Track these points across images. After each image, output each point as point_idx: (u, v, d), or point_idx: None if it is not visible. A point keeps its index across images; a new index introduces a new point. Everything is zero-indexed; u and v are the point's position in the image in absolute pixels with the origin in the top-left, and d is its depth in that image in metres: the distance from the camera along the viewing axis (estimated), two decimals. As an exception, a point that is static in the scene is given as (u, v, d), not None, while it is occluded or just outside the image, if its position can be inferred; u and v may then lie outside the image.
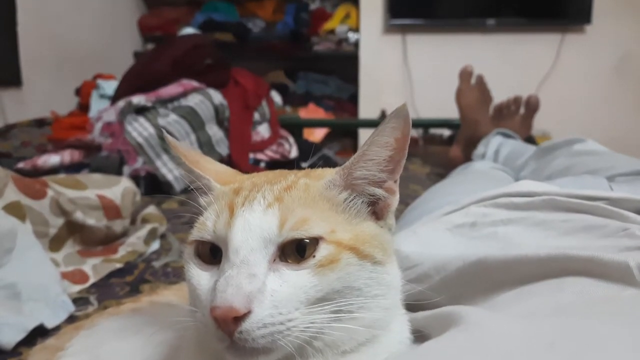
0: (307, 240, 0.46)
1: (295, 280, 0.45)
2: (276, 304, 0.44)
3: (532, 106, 1.98)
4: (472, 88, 2.05)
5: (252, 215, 0.47)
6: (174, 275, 1.25)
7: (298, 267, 0.46)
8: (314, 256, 0.46)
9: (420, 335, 0.56)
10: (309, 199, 0.49)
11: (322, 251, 0.46)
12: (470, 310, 0.51)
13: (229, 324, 0.42)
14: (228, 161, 2.03)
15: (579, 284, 0.53)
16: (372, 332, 0.50)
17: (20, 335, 0.95)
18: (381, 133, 0.50)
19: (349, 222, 0.50)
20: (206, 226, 0.49)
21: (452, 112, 2.17)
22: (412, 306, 0.58)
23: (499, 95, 2.07)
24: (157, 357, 0.62)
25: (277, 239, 0.46)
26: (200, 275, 0.48)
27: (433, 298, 0.67)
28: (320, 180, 0.51)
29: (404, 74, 3.62)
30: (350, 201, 0.51)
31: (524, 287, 0.57)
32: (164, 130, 0.56)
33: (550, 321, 0.47)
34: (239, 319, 0.42)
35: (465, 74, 2.06)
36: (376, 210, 0.53)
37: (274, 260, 0.46)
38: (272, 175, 0.54)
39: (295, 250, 0.46)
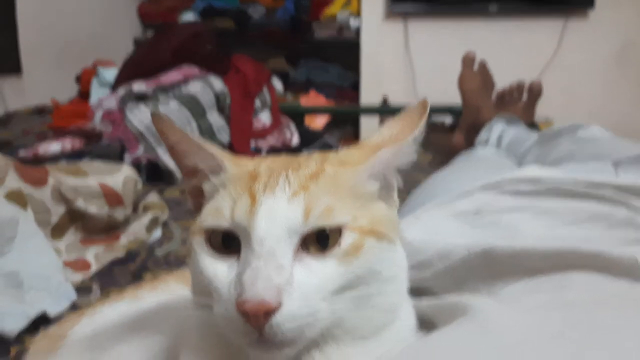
0: (329, 229, 0.45)
1: (322, 271, 0.44)
2: (305, 296, 0.42)
3: (534, 92, 1.96)
4: (475, 74, 2.03)
5: (277, 203, 0.44)
6: (177, 263, 1.25)
7: (323, 257, 0.44)
8: (339, 245, 0.45)
9: (424, 323, 0.56)
10: (334, 187, 0.47)
11: (348, 239, 0.45)
12: (477, 301, 0.51)
13: (259, 318, 0.40)
14: (229, 149, 2.02)
15: (587, 280, 0.52)
16: (388, 316, 0.49)
17: (22, 324, 0.95)
18: (424, 119, 0.51)
19: (364, 206, 0.49)
20: (221, 213, 0.46)
21: (454, 98, 2.15)
22: (414, 292, 0.57)
23: (502, 81, 2.06)
24: (159, 350, 0.62)
25: (302, 228, 0.44)
26: (216, 267, 0.46)
27: (434, 286, 0.66)
28: (347, 167, 0.49)
29: (406, 61, 3.59)
30: (370, 186, 0.50)
31: (530, 281, 0.56)
32: (156, 115, 0.51)
33: (557, 313, 0.47)
34: (269, 312, 0.41)
35: (467, 60, 2.04)
36: (385, 191, 0.52)
37: (297, 250, 0.44)
38: (288, 160, 0.52)
39: (315, 239, 0.45)
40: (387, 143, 0.51)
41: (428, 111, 0.52)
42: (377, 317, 0.48)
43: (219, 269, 0.46)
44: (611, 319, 0.44)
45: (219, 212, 0.47)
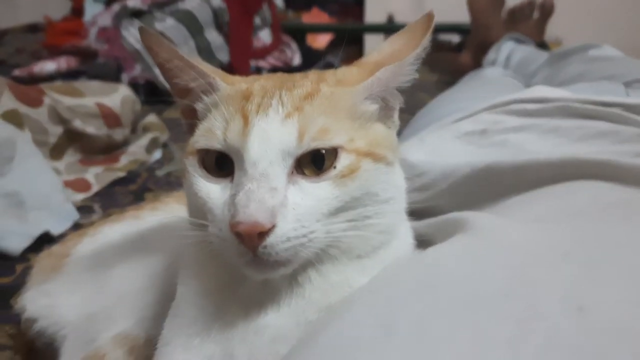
0: (324, 151, 0.44)
1: (317, 193, 0.43)
2: (299, 218, 0.42)
3: (546, 10, 1.89)
4: (485, -10, 1.95)
5: (270, 125, 0.43)
6: (177, 184, 1.25)
7: (318, 179, 0.44)
8: (334, 167, 0.44)
9: (422, 242, 0.55)
10: (330, 107, 0.45)
11: (343, 161, 0.44)
12: (478, 216, 0.50)
13: (253, 239, 0.41)
14: (228, 68, 1.97)
15: (593, 188, 0.51)
16: (385, 237, 0.49)
17: (26, 243, 0.96)
18: (427, 35, 0.48)
19: (362, 127, 0.47)
20: (214, 134, 0.45)
21: (462, 16, 2.07)
22: (415, 213, 0.57)
23: (513, -2, 1.97)
24: (159, 268, 0.62)
25: (296, 150, 0.43)
26: (209, 188, 0.45)
27: (436, 206, 0.66)
28: (344, 87, 0.48)
29: (413, -24, 3.43)
30: (368, 107, 0.49)
31: (535, 192, 0.55)
32: (144, 30, 0.49)
33: (564, 228, 0.46)
34: (263, 234, 0.40)
35: (477, -25, 1.94)
36: (385, 112, 0.51)
37: (292, 172, 0.44)
38: (282, 79, 0.50)
39: (311, 161, 0.44)
40: (387, 61, 0.48)
41: (433, 26, 0.49)
42: (373, 238, 0.48)
43: (212, 190, 0.45)
44: (618, 231, 0.43)
45: (211, 133, 0.46)
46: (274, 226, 0.41)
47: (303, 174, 0.44)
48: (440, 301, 0.38)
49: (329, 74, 0.50)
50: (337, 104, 0.46)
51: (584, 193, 0.51)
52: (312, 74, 0.51)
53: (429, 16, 0.50)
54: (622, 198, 0.49)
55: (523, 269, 0.39)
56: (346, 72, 0.51)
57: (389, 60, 0.48)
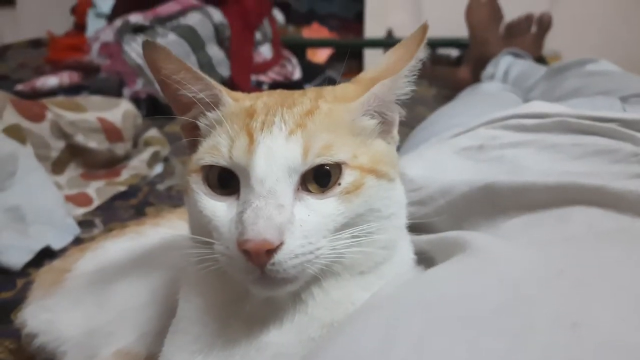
0: (328, 167, 0.44)
1: (323, 209, 0.44)
2: (306, 234, 0.43)
3: (544, 24, 1.90)
4: (483, 5, 1.96)
5: (275, 142, 0.44)
6: (178, 198, 1.25)
7: (323, 196, 0.44)
8: (339, 184, 0.45)
9: (423, 259, 0.56)
10: (330, 123, 0.46)
11: (348, 178, 0.45)
12: (477, 237, 0.51)
13: (261, 256, 0.41)
14: (229, 83, 1.98)
15: (588, 215, 0.52)
16: (387, 252, 0.50)
17: (27, 257, 0.96)
18: (421, 47, 0.49)
19: (364, 144, 0.48)
20: (219, 152, 0.46)
21: (461, 31, 2.09)
22: (414, 228, 0.57)
23: (510, 13, 1.98)
24: (161, 284, 0.63)
25: (302, 167, 0.44)
26: (214, 206, 0.46)
27: (435, 222, 0.66)
28: (341, 103, 0.49)
29: (412, -9, 3.45)
30: (367, 122, 0.49)
31: (531, 215, 0.56)
32: (148, 43, 0.49)
33: (559, 249, 0.47)
34: (271, 251, 0.41)
35: (476, -9, 1.96)
36: (384, 127, 0.51)
37: (298, 189, 0.44)
38: (283, 96, 0.50)
39: (315, 178, 0.45)
40: (382, 75, 0.49)
41: (426, 37, 0.49)
42: (376, 253, 0.48)
43: (218, 208, 0.46)
44: (612, 253, 0.43)
45: (216, 150, 0.46)
46: (282, 243, 0.41)
47: (308, 190, 0.45)
48: (439, 318, 0.39)
49: (327, 91, 0.51)
50: (336, 120, 0.47)
51: (580, 220, 0.52)
52: (311, 92, 0.51)
53: (423, 28, 0.50)
54: (616, 226, 0.49)
55: (519, 286, 0.40)
56: (343, 88, 0.51)
57: (385, 75, 0.49)
